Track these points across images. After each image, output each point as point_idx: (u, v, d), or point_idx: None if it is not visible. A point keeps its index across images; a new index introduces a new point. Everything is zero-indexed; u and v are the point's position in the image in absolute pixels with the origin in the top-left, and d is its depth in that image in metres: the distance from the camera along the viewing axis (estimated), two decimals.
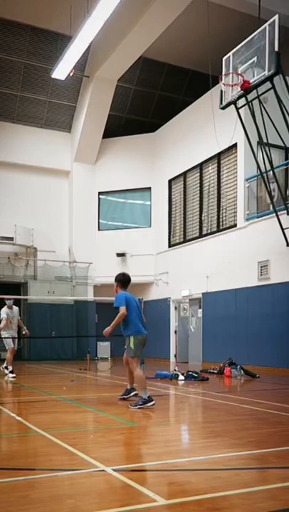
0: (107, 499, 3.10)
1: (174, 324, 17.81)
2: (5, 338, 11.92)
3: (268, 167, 11.92)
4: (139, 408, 6.59)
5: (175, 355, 17.58)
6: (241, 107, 11.40)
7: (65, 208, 19.99)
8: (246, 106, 11.25)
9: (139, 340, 7.05)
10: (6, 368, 11.82)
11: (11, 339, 11.89)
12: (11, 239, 18.19)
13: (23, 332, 12.21)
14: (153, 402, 6.67)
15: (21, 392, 9.36)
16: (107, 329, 7.10)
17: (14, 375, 11.64)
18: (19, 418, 6.04)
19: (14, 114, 18.96)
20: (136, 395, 7.22)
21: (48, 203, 19.63)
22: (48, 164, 19.54)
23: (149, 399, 6.71)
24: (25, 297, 17.72)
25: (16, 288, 18.55)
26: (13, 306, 12.15)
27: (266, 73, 9.86)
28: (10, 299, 12.14)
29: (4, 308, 11.93)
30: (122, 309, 7.01)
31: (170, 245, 18.10)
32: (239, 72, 10.49)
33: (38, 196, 19.46)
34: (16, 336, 12.31)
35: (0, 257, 18.43)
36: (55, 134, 19.71)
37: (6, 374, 11.64)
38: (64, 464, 3.94)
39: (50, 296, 18.16)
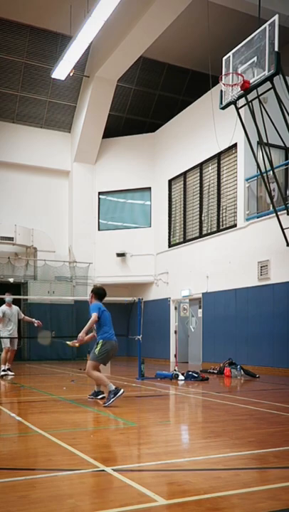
0: (107, 499, 3.10)
1: (174, 324, 17.81)
2: (2, 337, 11.86)
3: (268, 167, 11.92)
4: (112, 401, 6.83)
5: (175, 355, 17.58)
6: (241, 107, 11.40)
7: (65, 208, 19.99)
8: (246, 106, 11.25)
9: (107, 346, 7.40)
10: (4, 370, 11.71)
11: (8, 339, 11.81)
12: (11, 239, 18.19)
13: (35, 324, 11.97)
14: (122, 390, 6.90)
15: (21, 392, 9.36)
16: (81, 334, 7.57)
17: (7, 373, 11.58)
18: (19, 418, 6.04)
19: (14, 114, 18.96)
20: (104, 398, 7.36)
21: (48, 203, 19.63)
22: (48, 164, 19.54)
23: (117, 389, 6.89)
24: (25, 297, 17.71)
25: (16, 288, 18.54)
26: (13, 305, 12.08)
27: (266, 73, 9.86)
28: (9, 295, 12.03)
29: (3, 306, 11.86)
30: (94, 315, 7.52)
31: (170, 245, 18.10)
32: (239, 72, 10.49)
33: (38, 196, 19.46)
34: (16, 335, 12.18)
35: (0, 257, 18.44)
36: (55, 134, 19.72)
37: (6, 374, 11.63)
38: (64, 464, 3.94)
39: (50, 296, 18.15)
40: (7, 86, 18.12)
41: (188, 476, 3.67)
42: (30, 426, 5.51)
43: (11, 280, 17.93)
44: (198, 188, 16.69)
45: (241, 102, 11.29)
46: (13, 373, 11.82)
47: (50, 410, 6.78)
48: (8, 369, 11.87)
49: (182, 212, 17.57)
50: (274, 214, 12.07)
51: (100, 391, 7.64)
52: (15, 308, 12.11)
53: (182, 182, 17.65)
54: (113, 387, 6.93)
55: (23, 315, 12.35)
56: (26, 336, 17.65)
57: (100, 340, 7.44)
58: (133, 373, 11.85)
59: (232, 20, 15.29)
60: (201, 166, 16.60)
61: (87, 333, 7.65)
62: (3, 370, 11.66)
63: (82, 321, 18.89)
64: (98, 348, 7.38)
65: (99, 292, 8.18)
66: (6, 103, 18.59)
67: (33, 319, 12.10)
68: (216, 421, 5.96)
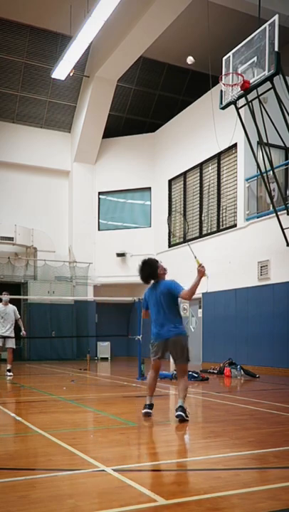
0: (107, 499, 3.10)
1: None
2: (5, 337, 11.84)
3: (268, 167, 11.92)
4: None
5: None
6: (241, 107, 11.40)
7: (65, 208, 19.99)
8: (246, 106, 11.24)
9: (152, 344, 6.15)
10: (9, 370, 11.78)
11: (9, 339, 11.75)
12: (11, 239, 18.19)
13: (22, 332, 12.10)
14: (145, 411, 6.02)
15: (21, 392, 9.36)
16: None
17: (11, 374, 11.64)
18: (19, 418, 6.04)
19: (14, 114, 18.96)
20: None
21: (48, 203, 19.64)
22: (48, 164, 19.54)
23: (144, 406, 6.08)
24: (25, 297, 17.72)
25: (16, 288, 18.55)
26: (9, 305, 11.99)
27: (266, 73, 9.86)
28: (7, 294, 12.02)
29: None
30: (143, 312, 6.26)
31: (170, 245, 18.10)
32: (239, 72, 10.49)
33: (38, 196, 19.47)
34: (13, 334, 12.00)
35: (0, 257, 18.44)
36: (55, 134, 19.72)
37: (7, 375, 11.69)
38: (64, 464, 3.94)
39: (50, 296, 18.16)
40: (7, 86, 18.12)
41: (188, 476, 3.68)
42: (30, 426, 5.51)
43: None
44: (198, 188, 16.69)
45: (241, 102, 11.28)
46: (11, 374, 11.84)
47: (50, 410, 6.78)
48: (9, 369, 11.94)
49: (182, 212, 17.56)
50: (274, 214, 12.06)
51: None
52: (11, 307, 12.00)
53: (182, 182, 17.64)
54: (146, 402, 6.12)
55: (19, 316, 12.27)
56: (26, 336, 17.64)
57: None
58: (133, 373, 11.85)
59: (232, 20, 15.29)
60: (201, 166, 16.60)
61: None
62: (9, 370, 11.74)
63: (82, 321, 19.05)
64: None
65: (140, 274, 6.36)
66: (6, 103, 18.59)
67: (23, 328, 12.25)
68: (216, 421, 5.96)
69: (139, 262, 6.26)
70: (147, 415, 5.99)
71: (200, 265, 6.11)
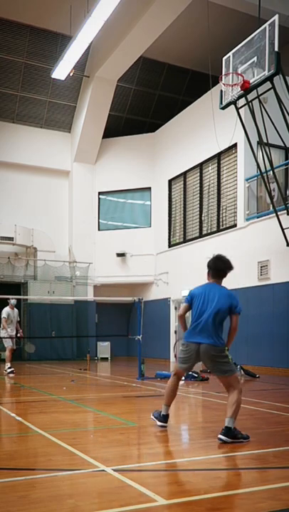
0: (107, 499, 3.10)
1: (174, 324, 17.80)
2: (4, 337, 12.19)
3: (268, 167, 11.92)
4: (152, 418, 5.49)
5: (175, 355, 17.56)
6: (241, 107, 11.39)
7: (65, 208, 19.99)
8: (246, 106, 11.24)
9: (182, 346, 5.23)
10: (10, 367, 12.17)
11: (9, 339, 12.17)
12: (11, 239, 18.19)
13: (18, 334, 12.75)
14: (158, 424, 5.33)
15: (21, 392, 9.36)
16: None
17: (12, 369, 12.07)
18: (19, 418, 6.04)
19: (14, 114, 18.96)
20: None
21: (48, 203, 19.64)
22: (48, 164, 19.54)
23: (160, 417, 5.36)
24: (25, 297, 17.72)
25: (16, 288, 18.56)
26: (15, 308, 12.61)
27: (266, 73, 9.85)
28: (13, 298, 12.61)
29: (6, 308, 12.23)
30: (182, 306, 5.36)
31: (170, 245, 18.10)
32: (239, 72, 10.49)
33: (38, 196, 19.46)
34: (14, 335, 12.65)
35: (0, 257, 18.44)
36: (55, 134, 19.72)
37: (8, 373, 11.88)
38: (64, 464, 3.94)
39: (50, 296, 18.16)
40: (7, 86, 18.12)
41: (188, 476, 3.68)
42: (30, 426, 5.51)
43: None
44: (198, 188, 16.69)
45: (241, 102, 11.28)
46: (11, 371, 12.14)
47: (50, 410, 6.78)
48: (9, 367, 12.27)
49: (182, 212, 17.57)
50: (274, 214, 12.07)
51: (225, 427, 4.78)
52: (16, 310, 12.68)
53: (182, 182, 17.65)
54: (162, 412, 5.36)
55: (18, 318, 13.00)
56: (26, 336, 17.67)
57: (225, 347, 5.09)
58: (133, 373, 11.85)
59: (232, 20, 15.29)
60: (201, 166, 16.60)
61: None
62: (9, 368, 12.10)
63: (82, 321, 19.06)
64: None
65: (214, 266, 5.50)
66: (6, 103, 18.59)
67: (20, 330, 13.03)
68: (216, 421, 5.96)
69: (214, 256, 5.57)
70: (161, 427, 5.30)
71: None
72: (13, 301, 12.47)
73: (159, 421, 5.33)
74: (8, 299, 12.51)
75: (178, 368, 5.28)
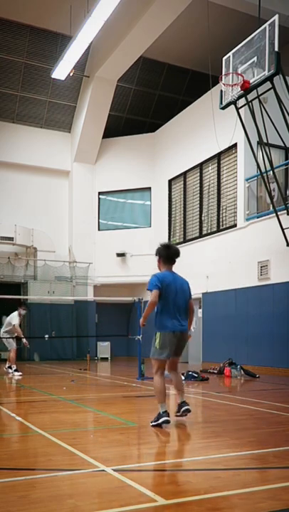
0: (107, 499, 3.10)
1: None
2: (6, 338, 12.17)
3: (268, 167, 11.92)
4: (153, 425, 5.41)
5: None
6: (241, 107, 11.40)
7: (65, 208, 20.00)
8: (246, 106, 11.24)
9: (165, 338, 5.42)
10: (10, 367, 12.14)
11: (12, 339, 12.18)
12: (11, 239, 18.20)
13: (24, 340, 13.29)
14: (164, 419, 5.31)
15: (21, 392, 9.36)
16: (141, 320, 5.67)
17: (20, 373, 11.97)
18: (19, 418, 6.04)
19: (14, 114, 18.96)
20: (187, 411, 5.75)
21: (48, 203, 19.64)
22: (48, 164, 19.54)
23: (163, 414, 5.35)
24: (25, 297, 17.72)
25: (16, 288, 18.56)
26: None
27: (266, 73, 9.86)
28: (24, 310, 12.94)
29: (16, 316, 12.15)
30: (152, 294, 5.41)
31: None
32: (239, 72, 10.49)
33: (38, 196, 19.47)
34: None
35: (0, 257, 18.44)
36: (55, 134, 19.72)
37: (11, 373, 11.86)
38: (64, 464, 3.94)
39: (50, 296, 18.16)
40: (7, 86, 18.12)
41: (188, 476, 3.67)
42: (30, 426, 5.51)
43: None
44: (198, 188, 16.69)
45: (241, 102, 11.28)
46: (12, 371, 12.11)
47: (50, 410, 6.78)
48: (10, 367, 12.27)
49: (182, 212, 17.57)
50: (274, 214, 12.07)
51: (183, 402, 5.73)
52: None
53: (182, 182, 17.65)
54: (163, 409, 5.37)
55: None
56: (26, 336, 17.66)
57: (156, 333, 5.50)
58: (133, 373, 11.85)
59: (232, 20, 15.29)
60: (201, 166, 16.60)
61: (145, 319, 5.62)
62: (16, 370, 12.03)
63: (82, 321, 19.05)
64: (156, 342, 5.48)
65: (165, 254, 5.83)
66: (6, 103, 18.59)
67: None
68: (216, 421, 5.96)
69: (163, 245, 5.98)
70: (167, 423, 5.34)
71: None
72: (23, 313, 12.69)
73: (163, 418, 5.29)
74: (21, 306, 12.58)
75: (161, 360, 5.47)
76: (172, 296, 5.47)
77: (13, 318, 12.17)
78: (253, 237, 13.78)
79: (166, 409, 5.39)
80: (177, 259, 5.88)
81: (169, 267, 5.78)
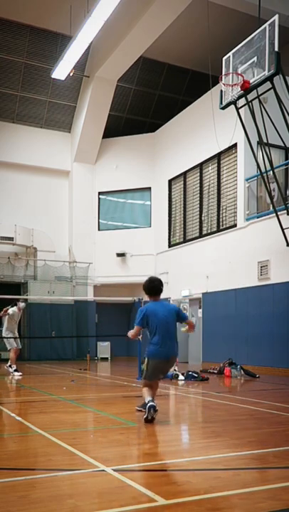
0: (107, 499, 3.10)
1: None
2: (7, 338, 12.16)
3: (268, 167, 11.92)
4: (138, 410, 6.24)
5: None
6: (241, 107, 11.40)
7: (65, 208, 20.00)
8: (246, 106, 11.25)
9: (153, 364, 5.85)
10: (10, 366, 12.13)
11: (13, 339, 12.17)
12: (11, 239, 18.21)
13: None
14: (151, 404, 5.63)
15: (21, 392, 9.36)
16: (129, 334, 6.27)
17: (20, 373, 11.94)
18: (19, 418, 6.03)
19: (14, 114, 18.96)
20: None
21: (48, 203, 19.64)
22: (48, 164, 19.55)
23: (146, 403, 5.68)
24: (25, 297, 17.71)
25: (16, 288, 18.56)
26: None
27: (266, 73, 9.86)
28: (24, 300, 13.01)
29: (15, 308, 12.22)
30: (134, 329, 6.10)
31: (170, 245, 18.10)
32: (239, 72, 10.49)
33: (38, 196, 19.47)
34: (17, 335, 12.64)
35: (0, 257, 18.44)
36: (55, 134, 19.72)
37: (11, 373, 11.85)
38: (64, 464, 3.94)
39: (50, 296, 18.16)
40: (7, 86, 18.13)
41: (188, 476, 3.67)
42: (30, 426, 5.51)
43: None
44: (198, 188, 16.69)
45: (241, 102, 11.28)
46: (12, 371, 12.10)
47: (50, 410, 6.78)
48: (10, 366, 12.24)
49: (182, 212, 17.57)
50: (274, 214, 12.07)
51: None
52: (20, 313, 12.71)
53: (182, 182, 17.65)
54: (147, 399, 5.72)
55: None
56: (26, 336, 17.68)
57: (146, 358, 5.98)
58: (133, 373, 11.85)
59: (232, 20, 15.29)
60: (201, 166, 16.60)
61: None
62: (16, 370, 12.01)
63: (82, 321, 19.05)
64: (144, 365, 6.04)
65: (148, 286, 6.23)
66: (6, 103, 18.60)
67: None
68: (216, 421, 5.96)
69: (147, 279, 6.32)
70: (154, 408, 5.58)
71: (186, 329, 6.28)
72: (22, 305, 12.57)
73: (150, 403, 5.56)
74: (19, 300, 12.59)
75: (150, 381, 5.92)
76: (159, 324, 5.81)
77: (10, 310, 12.28)
78: (253, 237, 13.78)
79: (153, 401, 5.68)
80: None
81: (154, 298, 6.12)
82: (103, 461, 3.91)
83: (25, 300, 17.85)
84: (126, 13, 14.43)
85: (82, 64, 17.53)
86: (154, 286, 6.11)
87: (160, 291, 6.14)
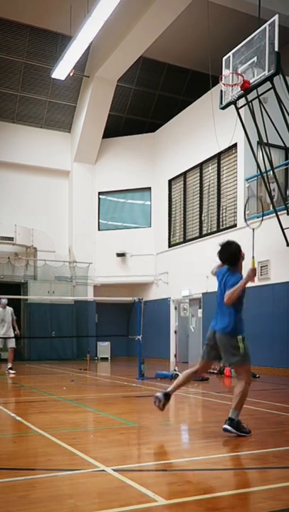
0: (107, 499, 3.10)
1: (174, 324, 17.81)
2: (5, 338, 12.20)
3: (268, 167, 11.92)
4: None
5: (175, 355, 17.58)
6: (241, 107, 11.40)
7: (65, 208, 20.00)
8: (246, 106, 11.25)
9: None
10: (11, 368, 12.20)
11: (9, 339, 12.21)
12: (11, 239, 18.20)
13: (15, 332, 12.57)
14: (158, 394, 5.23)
15: (21, 392, 9.36)
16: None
17: (14, 371, 12.07)
18: (19, 418, 6.03)
19: (14, 114, 18.96)
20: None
21: (48, 203, 19.64)
22: (48, 164, 19.54)
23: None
24: (25, 297, 17.72)
25: (16, 288, 18.56)
26: (7, 307, 12.48)
27: (266, 73, 9.86)
28: (4, 298, 12.52)
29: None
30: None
31: (170, 245, 18.10)
32: (239, 72, 10.49)
33: (38, 196, 19.47)
34: (12, 335, 12.51)
35: (0, 257, 18.44)
36: (55, 134, 19.72)
37: (11, 372, 11.95)
38: (64, 464, 3.94)
39: (50, 296, 18.16)
40: (7, 86, 18.12)
41: (188, 476, 3.67)
42: (30, 426, 5.51)
43: None
44: (198, 188, 16.68)
45: (241, 102, 11.28)
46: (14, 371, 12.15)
47: (50, 410, 6.78)
48: (11, 368, 12.31)
49: (182, 212, 17.57)
50: (274, 214, 12.07)
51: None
52: (9, 309, 12.52)
53: (182, 182, 17.64)
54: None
55: (15, 317, 12.75)
56: (26, 336, 17.68)
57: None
58: (133, 373, 11.85)
59: (232, 20, 15.29)
60: (201, 166, 16.59)
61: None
62: (10, 368, 12.16)
63: (82, 321, 19.04)
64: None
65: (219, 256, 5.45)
66: (6, 103, 18.59)
67: (16, 327, 12.63)
68: (216, 421, 5.96)
69: (223, 242, 5.52)
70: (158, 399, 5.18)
71: (253, 268, 5.31)
72: (3, 301, 12.31)
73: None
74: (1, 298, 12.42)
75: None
76: (242, 297, 5.32)
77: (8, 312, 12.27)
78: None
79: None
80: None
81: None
82: (103, 461, 3.91)
83: (23, 299, 17.94)
84: (126, 13, 14.42)
85: (82, 64, 17.52)
86: (220, 258, 5.46)
87: (226, 262, 5.44)
